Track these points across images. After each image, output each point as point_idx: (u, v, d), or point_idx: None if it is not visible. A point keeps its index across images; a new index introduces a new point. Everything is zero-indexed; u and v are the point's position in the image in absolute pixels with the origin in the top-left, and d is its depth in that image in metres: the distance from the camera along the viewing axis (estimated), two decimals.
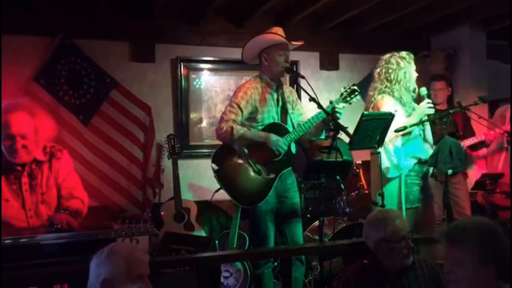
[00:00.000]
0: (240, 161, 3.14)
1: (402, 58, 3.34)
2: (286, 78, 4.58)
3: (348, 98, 3.14)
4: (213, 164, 3.14)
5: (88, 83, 4.43)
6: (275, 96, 3.24)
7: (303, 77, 3.11)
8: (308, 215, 4.23)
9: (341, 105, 3.09)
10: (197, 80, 4.88)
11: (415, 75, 3.37)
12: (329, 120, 2.97)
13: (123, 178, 4.51)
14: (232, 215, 4.20)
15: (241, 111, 3.12)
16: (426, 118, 3.21)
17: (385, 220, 2.34)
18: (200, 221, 4.49)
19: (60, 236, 2.40)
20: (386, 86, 3.33)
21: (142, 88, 4.66)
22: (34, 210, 2.65)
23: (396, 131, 3.13)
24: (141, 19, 4.58)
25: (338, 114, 3.03)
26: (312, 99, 2.89)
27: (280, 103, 3.24)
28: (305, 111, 3.36)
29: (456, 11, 4.83)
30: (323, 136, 3.22)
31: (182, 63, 4.76)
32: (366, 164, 4.17)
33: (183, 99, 4.78)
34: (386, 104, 3.26)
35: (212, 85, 4.93)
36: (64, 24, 4.33)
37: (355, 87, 3.17)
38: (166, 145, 4.46)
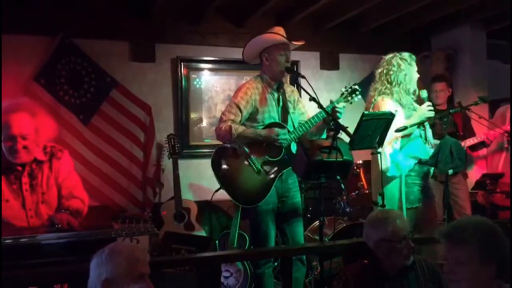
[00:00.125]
0: (240, 161, 3.14)
1: (403, 59, 3.33)
2: (287, 78, 4.58)
3: (349, 98, 3.15)
4: (213, 164, 3.14)
5: (88, 83, 4.43)
6: (276, 96, 3.24)
7: (303, 77, 3.11)
8: (308, 215, 4.23)
9: (341, 104, 3.09)
10: (197, 80, 4.88)
11: (416, 76, 3.37)
12: (330, 119, 2.98)
13: (123, 177, 4.52)
14: (233, 215, 4.20)
15: (241, 111, 3.12)
16: (426, 119, 3.23)
17: (386, 220, 2.34)
18: (200, 221, 4.50)
19: (61, 236, 2.40)
20: (386, 88, 3.34)
21: (142, 88, 4.66)
22: (35, 210, 2.65)
23: (397, 130, 3.13)
24: (141, 19, 4.58)
25: (338, 114, 3.04)
26: (312, 99, 2.89)
27: (281, 103, 3.24)
28: (306, 110, 3.37)
29: (456, 11, 4.83)
30: (324, 136, 3.23)
31: (182, 63, 4.76)
32: (366, 164, 4.17)
33: (183, 99, 4.78)
34: (386, 106, 3.26)
35: (213, 85, 4.93)
36: (64, 24, 4.33)
37: (356, 87, 3.17)
38: (166, 145, 4.46)
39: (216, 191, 3.57)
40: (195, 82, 4.87)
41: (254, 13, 4.62)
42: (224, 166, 3.15)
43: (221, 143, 3.23)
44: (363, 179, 4.39)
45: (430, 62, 5.32)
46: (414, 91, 3.37)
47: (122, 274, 1.75)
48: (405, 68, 3.32)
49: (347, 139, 2.89)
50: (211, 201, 4.14)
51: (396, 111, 3.15)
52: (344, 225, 3.90)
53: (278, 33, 3.16)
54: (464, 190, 4.41)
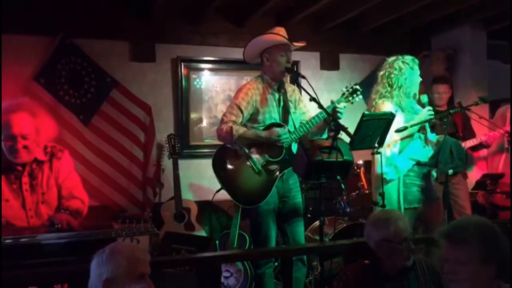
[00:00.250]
0: (241, 161, 3.14)
1: (405, 63, 3.32)
2: (287, 78, 4.57)
3: (350, 98, 3.15)
4: (214, 164, 3.13)
5: (89, 83, 4.43)
6: (277, 96, 3.24)
7: (303, 77, 3.11)
8: (309, 215, 4.23)
9: (342, 104, 3.09)
10: (197, 80, 4.87)
11: (418, 80, 3.36)
12: (330, 119, 2.98)
13: (123, 178, 4.51)
14: (233, 215, 4.20)
15: (242, 112, 3.12)
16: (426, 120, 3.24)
17: (388, 220, 2.33)
18: (200, 221, 4.50)
19: (61, 236, 2.40)
20: (387, 91, 3.34)
21: (143, 88, 4.66)
22: (35, 210, 2.65)
23: (397, 131, 3.13)
24: (141, 19, 4.57)
25: (339, 114, 3.04)
26: (312, 99, 2.89)
27: (282, 103, 3.24)
28: (308, 109, 3.36)
29: (456, 11, 4.83)
30: (325, 136, 3.23)
31: (182, 63, 4.76)
32: (366, 164, 4.17)
33: (183, 99, 4.77)
34: (386, 109, 3.26)
35: (213, 85, 4.93)
36: (64, 24, 4.32)
37: (357, 87, 3.17)
38: (167, 145, 4.46)
39: (218, 191, 3.57)
40: (195, 82, 4.87)
41: (254, 13, 4.62)
42: (225, 166, 3.15)
43: (221, 143, 3.23)
44: (363, 179, 4.39)
45: (430, 62, 5.32)
46: (414, 95, 3.38)
47: (122, 274, 1.76)
48: (406, 71, 3.31)
49: (347, 139, 2.89)
50: (212, 201, 4.14)
51: (396, 111, 3.16)
52: (345, 225, 3.90)
53: (279, 34, 3.16)
54: (464, 190, 4.42)
